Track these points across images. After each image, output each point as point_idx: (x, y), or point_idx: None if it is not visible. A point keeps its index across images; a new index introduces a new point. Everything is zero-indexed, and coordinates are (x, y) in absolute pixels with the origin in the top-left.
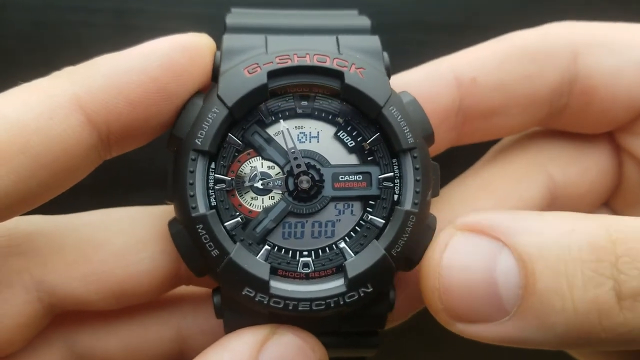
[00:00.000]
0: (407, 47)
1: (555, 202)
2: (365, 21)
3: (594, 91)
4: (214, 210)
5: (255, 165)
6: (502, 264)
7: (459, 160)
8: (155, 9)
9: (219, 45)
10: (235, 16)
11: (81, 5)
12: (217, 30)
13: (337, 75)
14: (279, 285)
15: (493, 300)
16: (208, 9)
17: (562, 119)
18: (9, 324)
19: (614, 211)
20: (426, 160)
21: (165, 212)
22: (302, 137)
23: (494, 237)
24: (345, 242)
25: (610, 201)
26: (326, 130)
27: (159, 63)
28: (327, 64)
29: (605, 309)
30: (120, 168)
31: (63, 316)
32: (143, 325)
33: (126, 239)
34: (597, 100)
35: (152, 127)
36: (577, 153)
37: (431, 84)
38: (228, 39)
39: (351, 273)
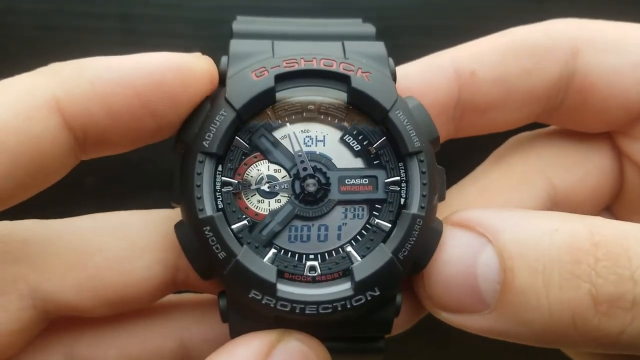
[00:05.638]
0: (411, 51)
1: (555, 208)
2: (370, 28)
3: (591, 89)
4: (220, 213)
5: (262, 168)
6: (483, 258)
7: (459, 164)
8: (161, 14)
9: (225, 50)
10: (242, 23)
11: (87, 10)
12: (221, 34)
13: (344, 79)
14: (286, 289)
15: (473, 292)
16: (212, 14)
17: (558, 115)
18: (2, 330)
19: (616, 216)
20: (432, 164)
21: (162, 216)
22: (308, 141)
23: (479, 233)
24: (352, 245)
25: (612, 206)
26: (332, 134)
27: (148, 80)
28: (334, 68)
29: (579, 312)
30: (125, 169)
31: (61, 324)
32: (144, 334)
33: (122, 245)
34: (594, 99)
35: (132, 138)
36: (577, 159)
37: (431, 75)
38: (235, 44)
39: (358, 276)
